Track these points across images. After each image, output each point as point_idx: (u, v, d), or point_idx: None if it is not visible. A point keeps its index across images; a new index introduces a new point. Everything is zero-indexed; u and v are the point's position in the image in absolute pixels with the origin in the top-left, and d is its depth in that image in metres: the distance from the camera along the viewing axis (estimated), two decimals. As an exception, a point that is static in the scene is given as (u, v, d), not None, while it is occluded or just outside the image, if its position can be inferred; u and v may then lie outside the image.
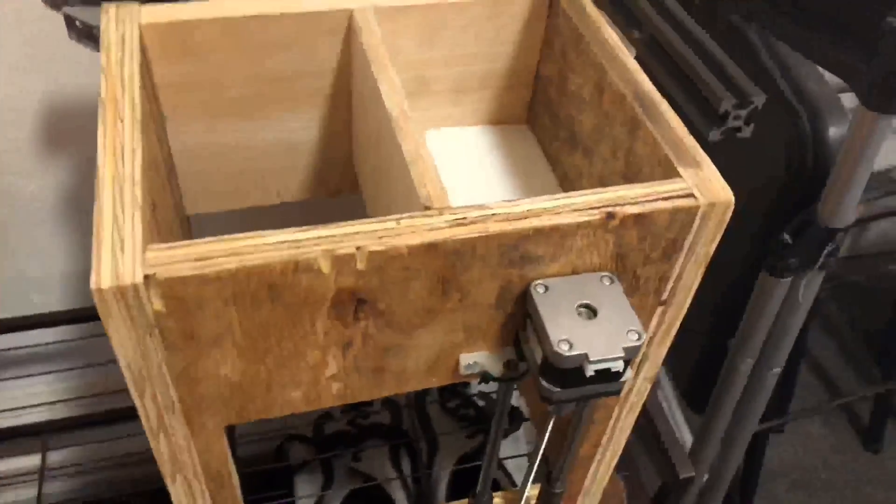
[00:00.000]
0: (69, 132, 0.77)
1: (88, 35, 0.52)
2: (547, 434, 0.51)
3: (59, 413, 0.95)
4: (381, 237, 0.39)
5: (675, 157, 0.45)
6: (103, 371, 0.93)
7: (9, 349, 0.88)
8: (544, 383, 0.42)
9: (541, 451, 0.54)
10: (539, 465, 0.57)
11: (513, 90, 0.64)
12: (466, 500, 0.64)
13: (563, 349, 0.40)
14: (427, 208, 0.41)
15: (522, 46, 0.61)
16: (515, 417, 0.94)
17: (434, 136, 0.65)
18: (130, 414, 0.96)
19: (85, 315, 0.88)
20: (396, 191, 0.48)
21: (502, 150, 0.65)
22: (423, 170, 0.43)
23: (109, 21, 0.50)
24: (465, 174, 0.62)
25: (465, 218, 0.40)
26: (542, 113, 0.64)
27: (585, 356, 0.40)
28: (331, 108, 0.61)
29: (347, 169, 0.65)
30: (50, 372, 0.93)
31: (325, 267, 0.38)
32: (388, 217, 0.40)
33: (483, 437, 0.89)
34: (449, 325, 0.44)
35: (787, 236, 0.68)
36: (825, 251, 0.67)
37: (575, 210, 0.41)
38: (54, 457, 0.99)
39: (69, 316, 0.87)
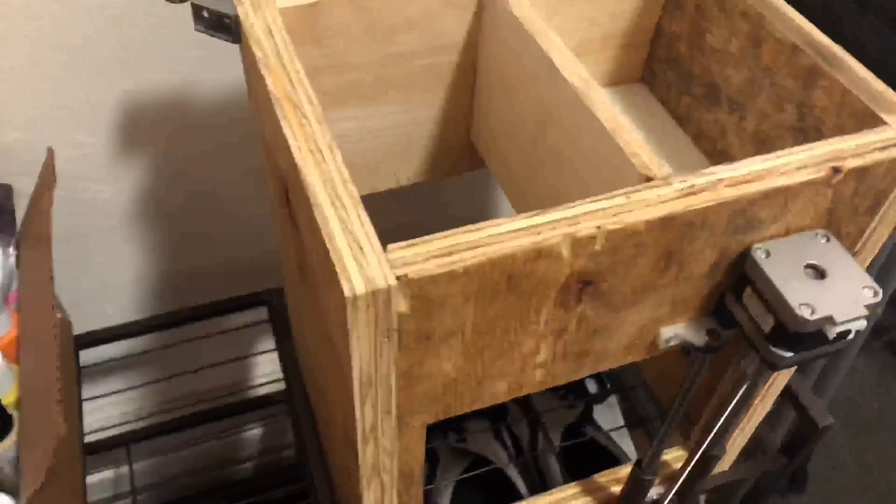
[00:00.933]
0: (141, 135, 0.73)
1: (219, 25, 0.48)
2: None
3: (140, 423, 0.92)
4: (615, 214, 0.37)
5: (875, 105, 0.43)
6: (180, 380, 0.90)
7: (86, 365, 0.85)
8: (774, 349, 0.41)
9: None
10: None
11: (630, 49, 0.62)
12: (629, 469, 0.63)
13: (806, 314, 0.38)
14: (648, 179, 0.39)
15: (644, 4, 0.59)
16: (605, 384, 0.93)
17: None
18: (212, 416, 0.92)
19: (161, 323, 0.84)
20: (585, 166, 0.45)
21: (625, 111, 0.63)
22: (629, 138, 0.41)
23: (247, 8, 0.47)
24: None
25: (693, 186, 0.38)
26: (664, 70, 0.62)
27: (830, 318, 0.39)
28: (452, 87, 0.58)
29: (467, 147, 0.63)
30: (127, 389, 0.90)
31: (566, 251, 0.36)
32: (615, 193, 0.38)
33: (583, 405, 0.89)
34: (660, 299, 0.43)
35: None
36: None
37: (800, 168, 0.40)
38: (139, 467, 0.96)
39: (144, 326, 0.83)
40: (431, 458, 0.86)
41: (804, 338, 0.40)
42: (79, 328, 0.81)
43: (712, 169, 0.39)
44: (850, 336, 0.41)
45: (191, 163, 0.76)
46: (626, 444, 0.91)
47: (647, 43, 0.62)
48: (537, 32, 0.47)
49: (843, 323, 0.39)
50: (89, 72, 0.66)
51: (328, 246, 0.34)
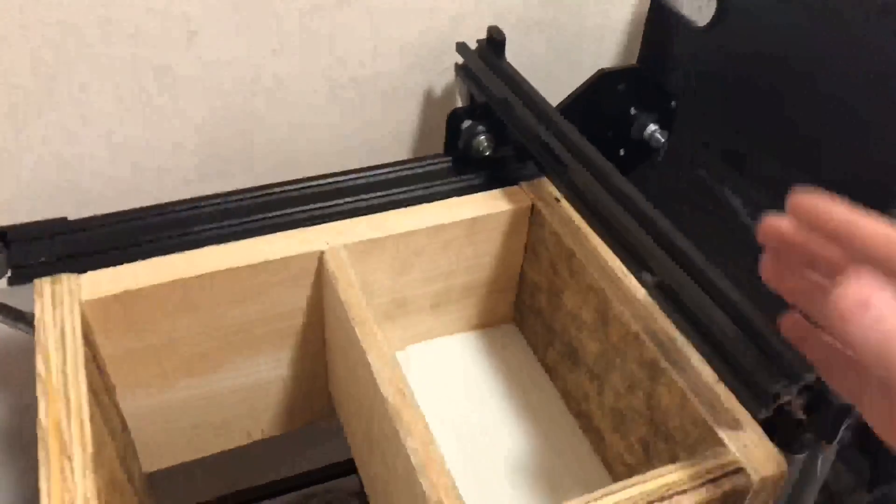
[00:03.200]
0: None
1: (21, 318, 0.45)
2: None
3: None
4: None
5: (713, 418, 0.40)
6: None
7: None
8: None
9: None
10: None
11: (496, 295, 0.59)
12: None
13: None
14: (449, 536, 0.35)
15: (504, 256, 0.57)
16: None
17: (416, 351, 0.59)
18: None
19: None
20: (400, 481, 0.41)
21: (492, 358, 0.59)
22: (436, 479, 0.37)
23: (45, 305, 0.44)
24: (456, 391, 0.57)
25: (496, 548, 0.34)
26: (532, 317, 0.59)
27: None
28: (301, 345, 0.55)
29: (324, 398, 0.59)
30: None
31: None
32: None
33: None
34: None
35: (799, 412, 0.64)
36: (843, 427, 0.63)
37: (619, 515, 0.36)
38: None
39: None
40: None
41: None
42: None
43: (522, 518, 0.35)
44: None
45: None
46: None
47: (513, 288, 0.60)
48: (360, 323, 0.44)
49: None
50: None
51: None
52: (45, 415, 0.38)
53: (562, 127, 0.51)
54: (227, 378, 0.54)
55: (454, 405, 0.56)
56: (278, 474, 0.89)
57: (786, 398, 0.36)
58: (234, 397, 0.55)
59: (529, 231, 0.55)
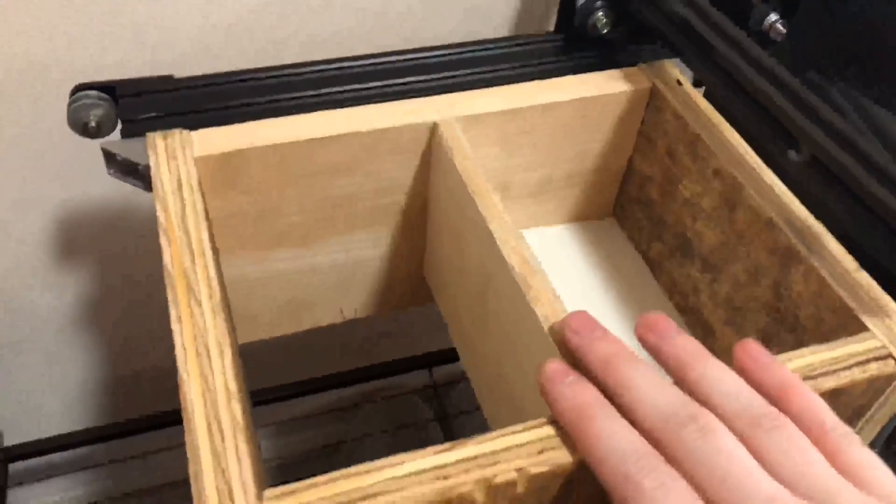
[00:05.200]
0: (79, 242, 0.68)
1: (133, 172, 0.44)
2: None
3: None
4: (541, 451, 0.31)
5: (857, 304, 0.38)
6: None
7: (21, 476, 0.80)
8: None
9: None
10: None
11: (600, 186, 0.57)
12: None
13: None
14: (585, 400, 0.34)
15: (614, 144, 0.54)
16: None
17: (513, 241, 0.58)
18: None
19: (101, 435, 0.79)
20: (519, 354, 0.40)
21: (592, 252, 0.58)
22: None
23: (160, 159, 0.43)
24: (557, 285, 0.55)
25: (636, 414, 0.33)
26: (636, 210, 0.57)
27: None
28: (401, 226, 0.53)
29: (419, 281, 0.58)
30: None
31: (480, 497, 0.31)
32: (541, 421, 0.32)
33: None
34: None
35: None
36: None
37: (763, 391, 0.34)
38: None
39: (85, 437, 0.78)
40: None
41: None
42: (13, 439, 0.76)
43: (660, 388, 0.34)
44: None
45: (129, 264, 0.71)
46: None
47: (617, 180, 0.57)
48: (479, 194, 0.42)
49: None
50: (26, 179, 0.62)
51: (193, 487, 0.29)
52: (170, 259, 0.37)
53: (698, 3, 0.47)
54: (323, 253, 0.53)
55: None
56: (338, 367, 0.90)
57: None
58: (330, 273, 0.54)
59: (646, 116, 0.53)
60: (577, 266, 0.57)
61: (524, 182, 0.54)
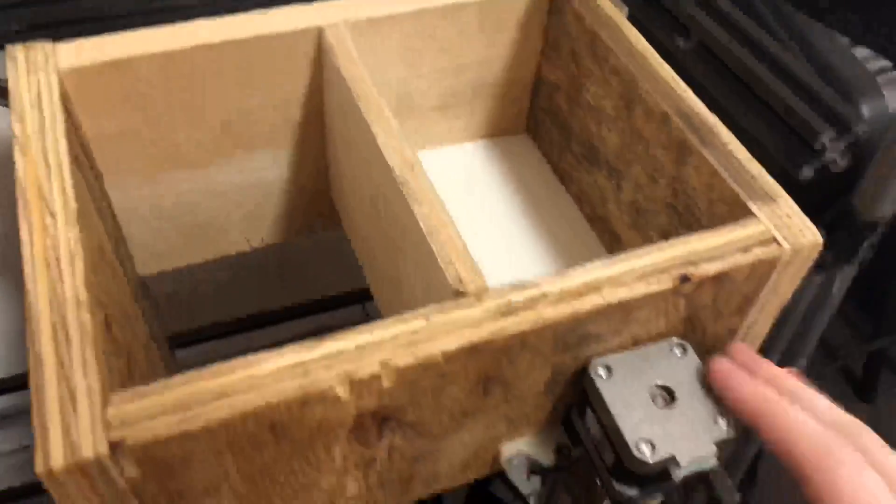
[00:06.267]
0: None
1: (-4, 88, 0.41)
2: None
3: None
4: (409, 345, 0.30)
5: (745, 192, 0.37)
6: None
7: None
8: (618, 486, 0.35)
9: None
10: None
11: (510, 98, 0.55)
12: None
13: (645, 453, 0.32)
14: (460, 294, 0.33)
15: (520, 50, 0.52)
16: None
17: (425, 158, 0.56)
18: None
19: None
20: (409, 260, 0.39)
21: (504, 168, 0.56)
22: (447, 241, 0.34)
23: (19, 71, 0.40)
24: (467, 202, 0.54)
25: (510, 304, 0.32)
26: (547, 122, 0.55)
27: (673, 459, 0.33)
28: (300, 141, 0.51)
29: (325, 204, 0.56)
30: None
31: (343, 393, 0.30)
32: (414, 314, 0.31)
33: None
34: (489, 420, 0.36)
35: (820, 231, 0.61)
36: (863, 245, 0.61)
37: (642, 277, 0.33)
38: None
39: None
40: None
41: (648, 477, 0.34)
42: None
43: (538, 280, 0.33)
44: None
45: None
46: None
47: (527, 92, 0.56)
48: (363, 98, 0.41)
49: (689, 464, 0.33)
50: None
51: (33, 398, 0.28)
52: (24, 172, 0.35)
53: None
54: (222, 174, 0.51)
55: (463, 214, 0.53)
56: (276, 304, 0.88)
57: (831, 154, 0.33)
58: (231, 197, 0.52)
59: (549, 20, 0.51)
60: (489, 183, 0.55)
61: (427, 92, 0.52)
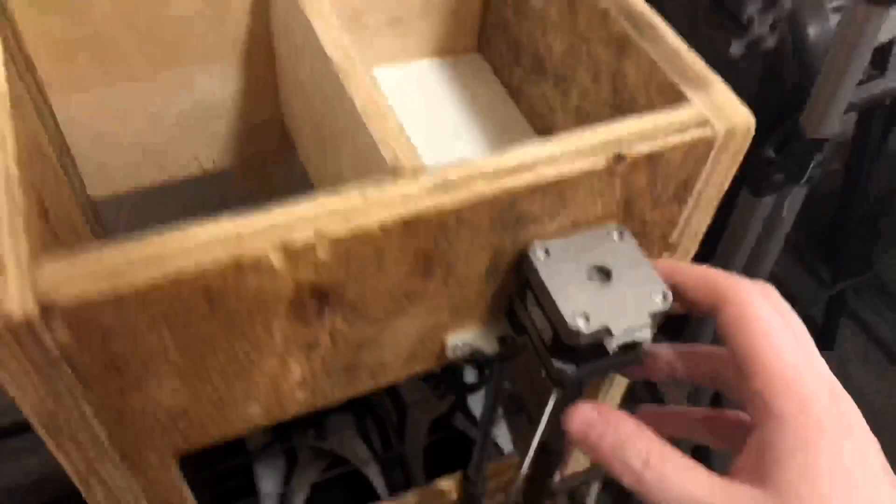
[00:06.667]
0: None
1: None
2: (546, 417, 0.44)
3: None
4: (344, 217, 0.31)
5: (680, 79, 0.38)
6: None
7: None
8: (556, 363, 0.35)
9: (537, 437, 0.46)
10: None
11: (459, 15, 0.55)
12: (457, 476, 0.58)
13: (581, 325, 0.33)
14: (397, 172, 0.33)
15: (468, -38, 0.52)
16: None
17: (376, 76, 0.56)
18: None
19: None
20: (349, 151, 0.39)
21: (455, 86, 0.56)
22: (383, 123, 0.35)
23: (-50, -34, 0.39)
24: (417, 119, 0.54)
25: (445, 180, 0.32)
26: (497, 38, 0.55)
27: (607, 330, 0.33)
28: (250, 59, 0.51)
29: (277, 126, 0.56)
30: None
31: (278, 262, 0.30)
32: (350, 188, 0.32)
33: (454, 397, 0.83)
34: (432, 306, 0.37)
35: (770, 151, 0.62)
36: (812, 164, 0.62)
37: (576, 155, 0.34)
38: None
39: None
40: (290, 459, 0.80)
41: (583, 351, 0.35)
42: None
43: (474, 159, 0.33)
44: (642, 347, 0.36)
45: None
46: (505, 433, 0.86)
47: (477, 8, 0.56)
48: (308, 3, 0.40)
49: (622, 335, 0.34)
50: None
51: (-37, 263, 0.28)
52: (-47, 59, 0.34)
53: None
54: (165, 91, 0.50)
55: (413, 131, 0.53)
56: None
57: (760, 29, 0.34)
58: (177, 116, 0.52)
59: (494, -70, 0.51)
60: (439, 100, 0.56)
61: (376, 8, 0.52)
